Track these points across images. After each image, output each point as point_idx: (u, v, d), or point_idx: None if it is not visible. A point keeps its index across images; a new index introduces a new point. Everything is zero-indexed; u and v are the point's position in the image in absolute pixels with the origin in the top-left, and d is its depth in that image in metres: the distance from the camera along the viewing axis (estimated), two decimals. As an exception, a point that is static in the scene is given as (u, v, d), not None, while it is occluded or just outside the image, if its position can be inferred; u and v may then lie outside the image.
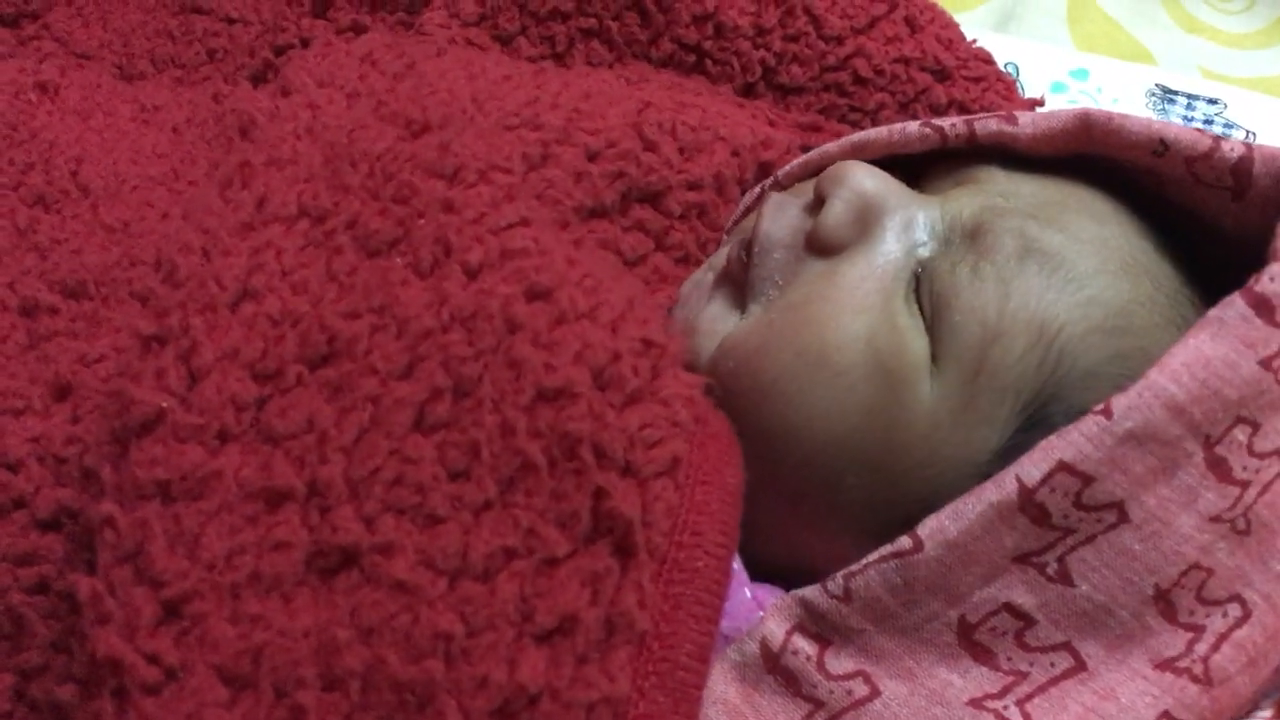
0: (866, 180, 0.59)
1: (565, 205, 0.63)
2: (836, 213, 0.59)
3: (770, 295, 0.59)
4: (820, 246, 0.59)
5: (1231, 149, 0.57)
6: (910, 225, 0.59)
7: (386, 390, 0.50)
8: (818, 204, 0.60)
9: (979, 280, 0.55)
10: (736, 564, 0.56)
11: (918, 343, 0.55)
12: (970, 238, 0.57)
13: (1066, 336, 0.54)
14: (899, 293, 0.57)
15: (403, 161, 0.59)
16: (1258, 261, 0.51)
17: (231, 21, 0.91)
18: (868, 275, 0.57)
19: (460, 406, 0.50)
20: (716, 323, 0.60)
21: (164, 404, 0.50)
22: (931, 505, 0.52)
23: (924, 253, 0.58)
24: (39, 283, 0.62)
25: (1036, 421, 0.53)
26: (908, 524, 0.52)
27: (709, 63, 0.80)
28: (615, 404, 0.50)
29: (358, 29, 0.87)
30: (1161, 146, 0.58)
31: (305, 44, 0.86)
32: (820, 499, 0.57)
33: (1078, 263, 0.55)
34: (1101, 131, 0.60)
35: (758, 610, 0.55)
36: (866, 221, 0.59)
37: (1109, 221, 0.58)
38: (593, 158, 0.66)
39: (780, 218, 0.61)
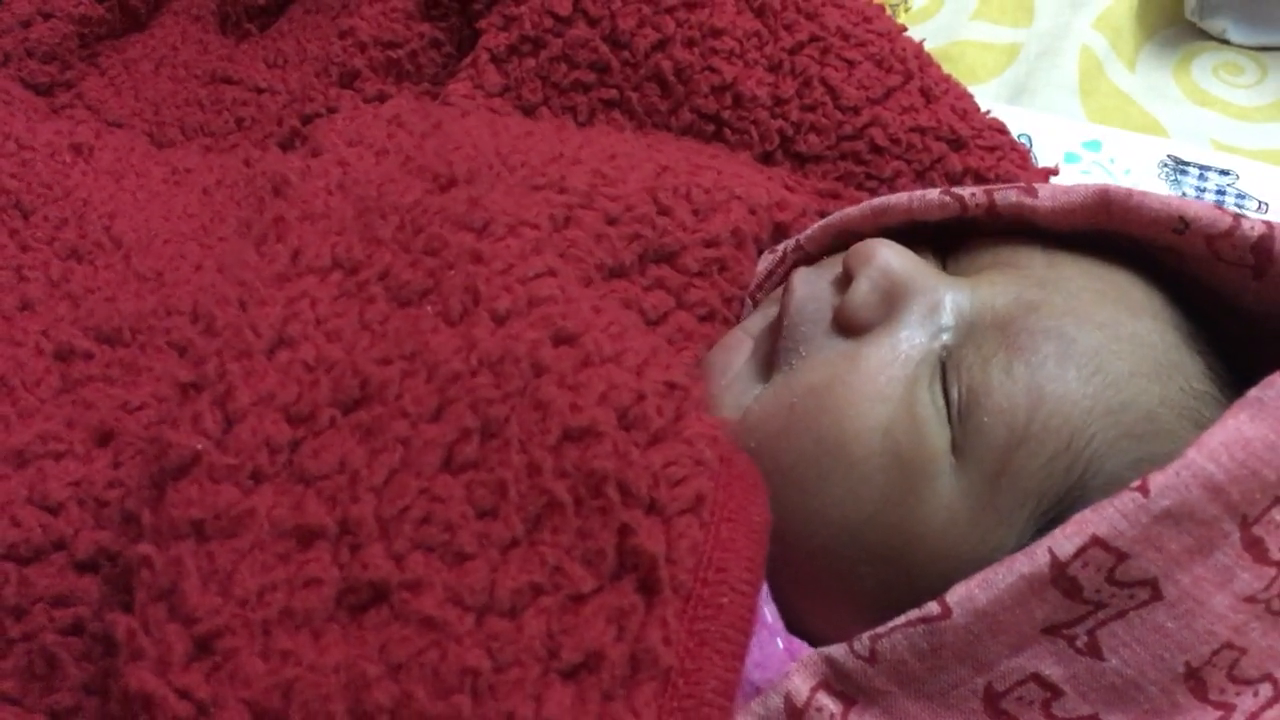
0: (894, 260, 0.59)
1: (588, 263, 0.64)
2: (863, 292, 0.59)
3: (793, 363, 0.59)
4: (845, 325, 0.59)
5: (1252, 227, 0.56)
6: (936, 309, 0.58)
7: (416, 432, 0.51)
8: (846, 280, 0.60)
9: (1011, 380, 0.54)
10: (771, 614, 0.56)
11: (937, 434, 0.55)
12: (1002, 329, 0.56)
13: (1098, 443, 0.53)
14: (921, 380, 0.57)
15: (432, 214, 0.60)
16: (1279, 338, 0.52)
17: (260, 91, 0.93)
18: (891, 361, 0.57)
19: (488, 447, 0.50)
20: (741, 395, 0.61)
21: (199, 446, 0.50)
22: None
23: (948, 338, 0.58)
24: (73, 329, 0.63)
25: (1055, 524, 0.52)
26: None
27: (728, 132, 0.81)
28: (640, 443, 0.50)
29: (383, 99, 0.88)
30: (1182, 224, 0.58)
31: (332, 113, 0.87)
32: (833, 584, 0.57)
33: (1115, 365, 0.55)
34: (1121, 208, 0.59)
35: (790, 661, 0.54)
36: (892, 302, 0.59)
37: (1144, 315, 0.58)
38: (611, 222, 0.66)
39: (809, 291, 0.61)
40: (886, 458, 0.55)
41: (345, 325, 0.55)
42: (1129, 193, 0.59)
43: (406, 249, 0.59)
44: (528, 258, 0.58)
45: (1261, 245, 0.56)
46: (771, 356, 0.61)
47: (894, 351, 0.57)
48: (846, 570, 0.56)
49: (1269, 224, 0.56)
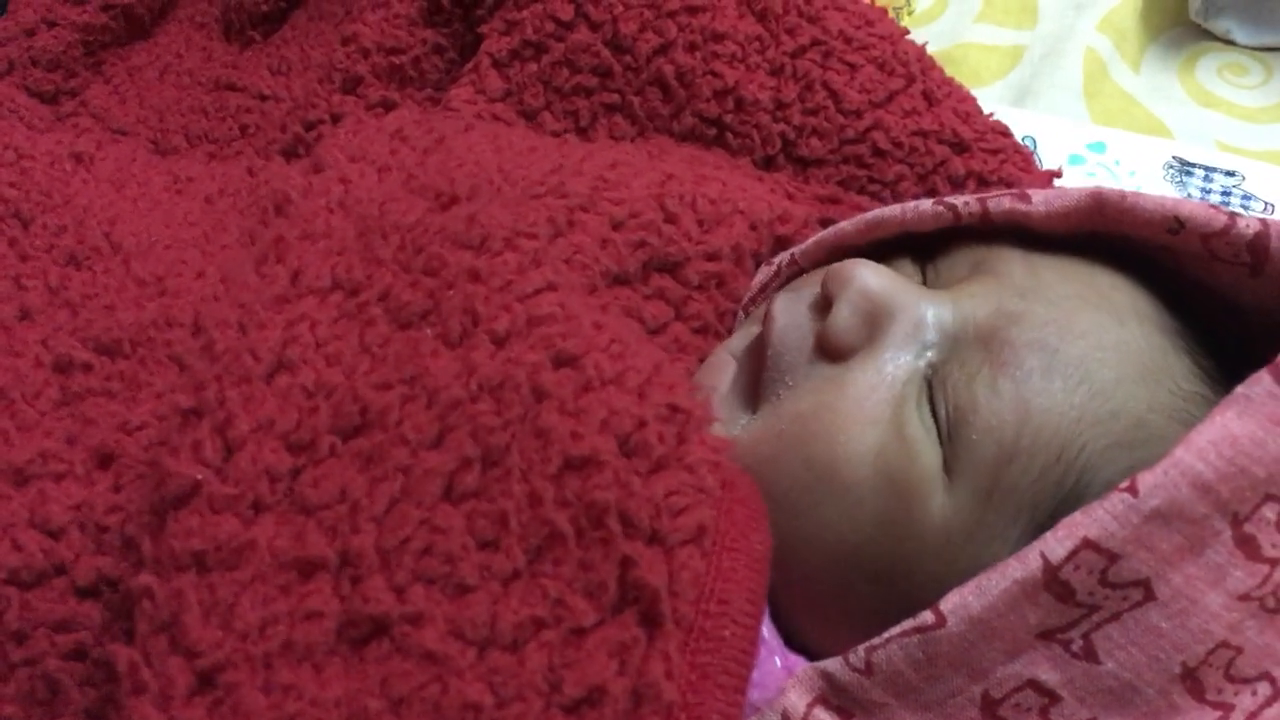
0: (872, 280, 0.59)
1: (593, 270, 0.63)
2: (844, 317, 0.58)
3: (780, 394, 0.59)
4: (829, 351, 0.59)
5: (1247, 225, 0.56)
6: (919, 327, 0.58)
7: (417, 460, 0.50)
8: (825, 303, 0.60)
9: (997, 397, 0.54)
10: (768, 631, 0.56)
11: (928, 454, 0.55)
12: (985, 344, 0.56)
13: (1089, 453, 0.53)
14: (909, 400, 0.56)
15: (432, 234, 0.60)
16: (1277, 336, 0.51)
17: (263, 98, 0.93)
18: (877, 384, 0.57)
19: (489, 476, 0.50)
20: (727, 425, 0.60)
21: (199, 475, 0.50)
22: None
23: (933, 355, 0.57)
24: (72, 339, 0.63)
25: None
26: None
27: (729, 136, 0.80)
28: (641, 472, 0.50)
29: (387, 105, 0.88)
30: (1177, 224, 0.58)
31: (336, 120, 0.87)
32: (830, 604, 0.57)
33: (1100, 373, 0.55)
34: (1115, 210, 0.59)
35: (788, 678, 0.54)
36: (874, 324, 0.58)
37: (1129, 318, 0.57)
38: (616, 226, 0.66)
39: (789, 319, 0.61)
40: (879, 480, 0.55)
41: (345, 348, 0.55)
42: (1122, 195, 0.59)
43: (407, 269, 0.58)
44: (526, 272, 0.57)
45: (1257, 243, 0.56)
46: (756, 387, 0.61)
47: (880, 374, 0.57)
48: (843, 591, 0.56)
49: (1264, 221, 0.56)
